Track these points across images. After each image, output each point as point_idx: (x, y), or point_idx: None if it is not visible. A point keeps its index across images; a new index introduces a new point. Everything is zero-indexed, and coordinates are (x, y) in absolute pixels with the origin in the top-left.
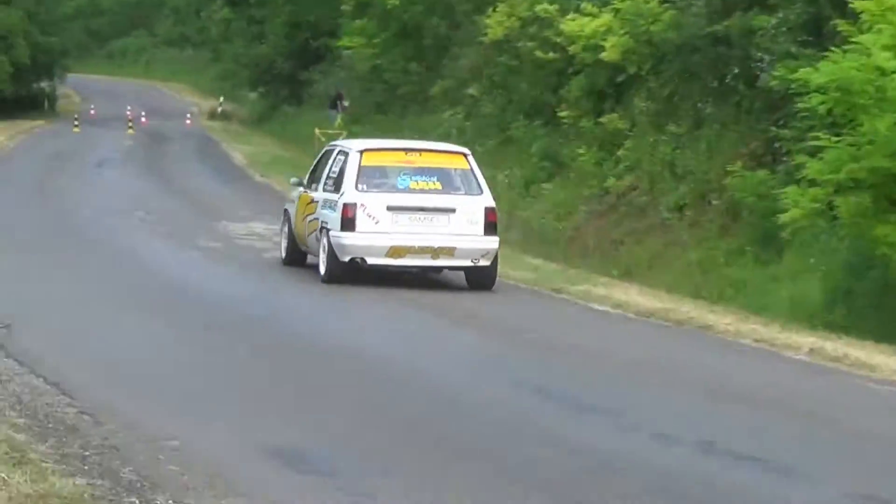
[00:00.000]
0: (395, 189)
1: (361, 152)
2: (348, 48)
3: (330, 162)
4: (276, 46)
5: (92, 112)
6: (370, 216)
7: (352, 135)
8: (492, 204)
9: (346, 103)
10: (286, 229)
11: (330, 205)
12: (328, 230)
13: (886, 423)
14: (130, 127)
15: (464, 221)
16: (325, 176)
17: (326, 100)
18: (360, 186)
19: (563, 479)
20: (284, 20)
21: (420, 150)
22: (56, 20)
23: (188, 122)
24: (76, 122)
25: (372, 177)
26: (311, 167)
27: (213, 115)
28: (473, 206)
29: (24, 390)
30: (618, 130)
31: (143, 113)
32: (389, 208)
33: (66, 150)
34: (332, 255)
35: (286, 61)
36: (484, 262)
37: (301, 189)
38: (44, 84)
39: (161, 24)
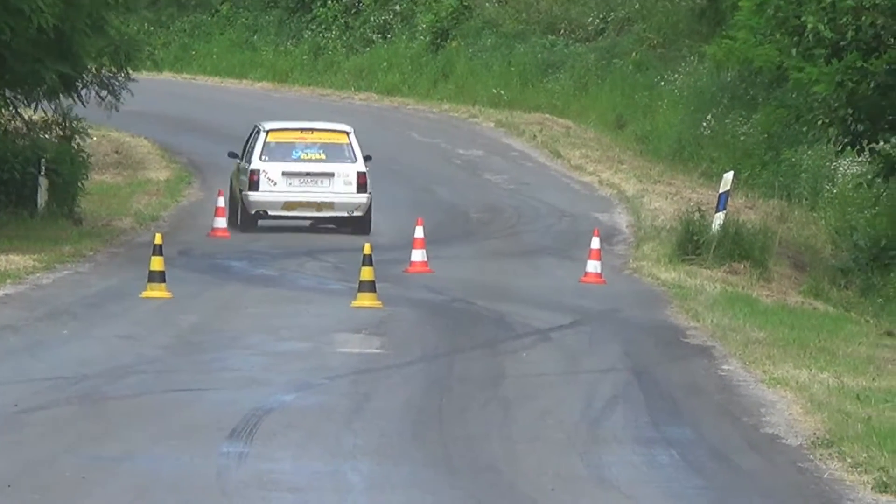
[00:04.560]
0: (289, 159)
1: (268, 131)
2: None
3: (251, 140)
4: None
5: (219, 215)
6: (270, 179)
7: None
8: (363, 169)
9: None
10: (229, 196)
11: (244, 172)
12: (241, 191)
13: None
14: (369, 292)
15: (341, 183)
16: (246, 151)
17: None
18: (263, 157)
19: None
20: None
21: (312, 130)
22: None
23: (592, 273)
24: (157, 258)
25: (274, 150)
26: (243, 145)
27: (694, 242)
28: (349, 170)
29: None
30: None
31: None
32: (284, 173)
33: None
34: (243, 210)
35: None
36: (358, 213)
37: (236, 160)
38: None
39: None
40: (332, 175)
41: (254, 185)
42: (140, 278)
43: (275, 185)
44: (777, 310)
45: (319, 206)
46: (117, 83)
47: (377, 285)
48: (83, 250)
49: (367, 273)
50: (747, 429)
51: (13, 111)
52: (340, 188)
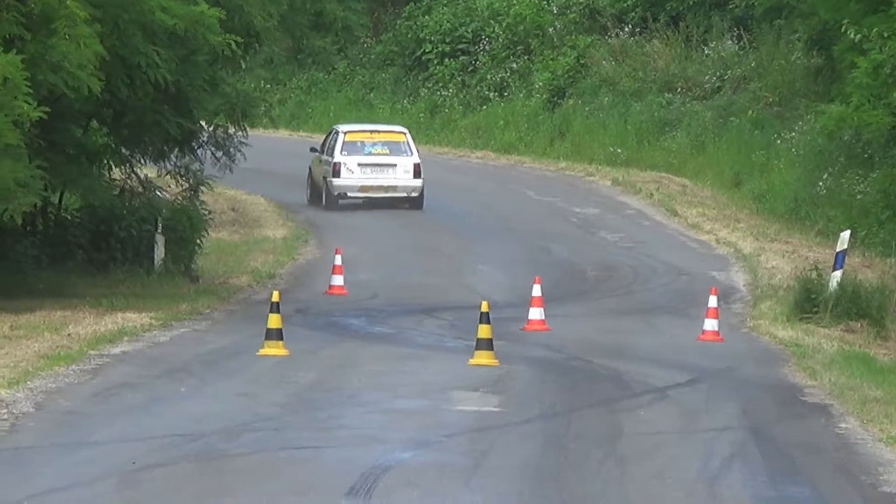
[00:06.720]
0: (362, 153)
1: (345, 133)
2: None
3: (330, 139)
4: None
5: (336, 273)
6: (349, 169)
7: None
8: (418, 161)
9: None
10: (309, 180)
11: (328, 163)
12: (326, 177)
13: None
14: (486, 350)
15: (401, 171)
16: (327, 146)
17: None
18: (343, 152)
19: None
20: None
21: (378, 131)
22: None
23: (709, 331)
24: (275, 316)
25: (351, 146)
26: (322, 142)
27: (811, 300)
28: (407, 162)
29: None
30: None
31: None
32: (360, 164)
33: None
34: (328, 192)
35: None
36: (414, 194)
37: (317, 154)
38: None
39: None
40: (394, 166)
41: (336, 174)
42: (257, 336)
43: (352, 174)
44: (894, 368)
45: (386, 188)
46: (232, 142)
47: (494, 343)
48: (200, 308)
49: (484, 331)
50: (865, 487)
51: (129, 169)
52: (401, 175)
